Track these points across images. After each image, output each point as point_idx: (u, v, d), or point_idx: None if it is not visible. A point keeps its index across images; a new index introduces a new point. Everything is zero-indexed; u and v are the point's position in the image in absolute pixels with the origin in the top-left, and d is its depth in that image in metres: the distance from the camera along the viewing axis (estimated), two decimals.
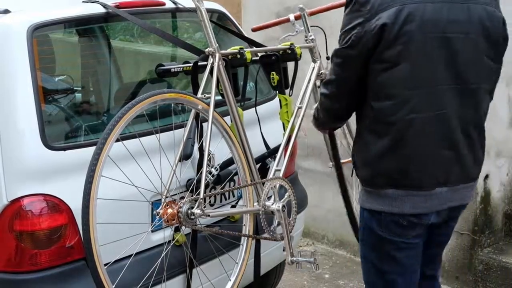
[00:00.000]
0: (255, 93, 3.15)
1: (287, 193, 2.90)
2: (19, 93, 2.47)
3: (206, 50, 2.75)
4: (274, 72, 3.10)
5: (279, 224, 2.90)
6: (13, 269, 2.46)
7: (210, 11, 3.16)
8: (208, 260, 2.91)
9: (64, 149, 2.53)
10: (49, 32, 2.90)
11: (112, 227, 2.50)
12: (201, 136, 2.79)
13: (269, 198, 2.87)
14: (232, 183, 3.04)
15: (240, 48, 2.87)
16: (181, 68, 2.82)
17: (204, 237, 2.85)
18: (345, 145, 3.48)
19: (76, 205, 2.39)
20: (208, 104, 2.67)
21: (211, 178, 2.77)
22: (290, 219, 2.91)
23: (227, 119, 2.84)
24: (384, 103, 2.34)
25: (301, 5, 3.31)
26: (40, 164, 2.46)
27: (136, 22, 2.88)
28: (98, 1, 2.83)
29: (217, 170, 2.81)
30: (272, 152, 3.11)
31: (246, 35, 3.40)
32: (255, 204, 2.89)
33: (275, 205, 2.84)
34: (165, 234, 2.74)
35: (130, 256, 2.56)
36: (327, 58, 3.31)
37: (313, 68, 3.28)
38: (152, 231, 2.72)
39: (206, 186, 2.63)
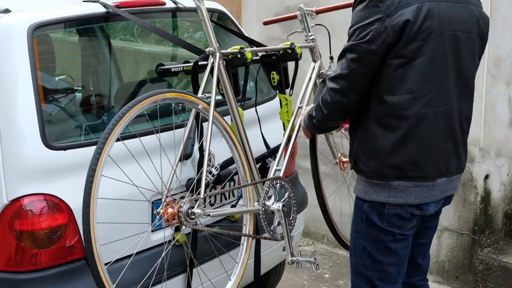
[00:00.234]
0: (255, 92, 3.15)
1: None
2: (19, 92, 2.47)
3: (207, 49, 2.75)
4: (274, 72, 3.10)
5: (279, 223, 2.90)
6: (13, 269, 2.45)
7: (211, 11, 3.16)
8: (208, 260, 2.91)
9: (65, 148, 2.53)
10: (50, 31, 2.89)
11: (112, 226, 2.50)
12: (201, 135, 2.79)
13: (269, 197, 2.87)
14: (232, 183, 3.04)
15: (241, 48, 2.87)
16: (182, 68, 2.82)
17: (204, 236, 2.85)
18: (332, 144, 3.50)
19: (76, 205, 2.39)
20: (209, 104, 2.67)
21: (211, 177, 2.77)
22: (290, 218, 2.92)
23: (228, 118, 2.84)
24: (399, 97, 2.40)
25: (302, 5, 3.31)
26: (41, 164, 2.46)
27: (136, 22, 2.88)
28: (98, 1, 2.83)
29: (217, 169, 2.81)
30: (272, 152, 3.11)
31: (246, 34, 3.40)
32: (255, 203, 2.89)
33: (275, 205, 2.84)
34: (166, 234, 2.74)
35: (130, 255, 2.56)
36: (331, 58, 3.31)
37: (314, 67, 3.28)
38: (153, 231, 2.72)
39: (206, 185, 2.63)
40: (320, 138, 3.42)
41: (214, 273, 2.93)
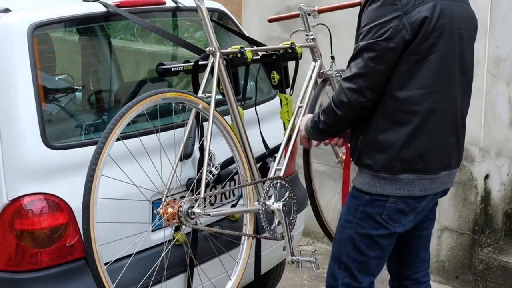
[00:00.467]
0: (255, 92, 3.15)
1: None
2: (19, 92, 2.47)
3: (207, 49, 2.75)
4: (274, 72, 3.10)
5: (279, 223, 2.90)
6: (13, 268, 2.45)
7: (211, 10, 3.16)
8: (208, 260, 2.91)
9: (65, 148, 2.53)
10: (50, 31, 2.89)
11: (112, 226, 2.50)
12: (201, 135, 2.79)
13: (269, 197, 2.87)
14: (232, 183, 3.04)
15: (241, 47, 2.87)
16: (182, 67, 2.82)
17: (204, 236, 2.85)
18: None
19: (76, 204, 2.39)
20: (209, 103, 2.67)
21: (212, 177, 2.77)
22: (291, 218, 2.92)
23: (228, 118, 2.84)
24: (411, 92, 2.45)
25: (302, 4, 3.31)
26: (41, 163, 2.46)
27: (136, 21, 2.88)
28: (98, 0, 2.83)
29: (217, 169, 2.81)
30: (272, 152, 3.11)
31: (246, 34, 3.40)
32: (256, 203, 2.89)
33: (275, 204, 2.84)
34: (166, 233, 2.73)
35: (130, 255, 2.56)
36: (332, 57, 3.31)
37: (314, 67, 3.28)
38: (153, 231, 2.71)
39: (207, 185, 2.63)
40: None
41: (214, 272, 2.93)
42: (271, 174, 2.98)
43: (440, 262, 4.38)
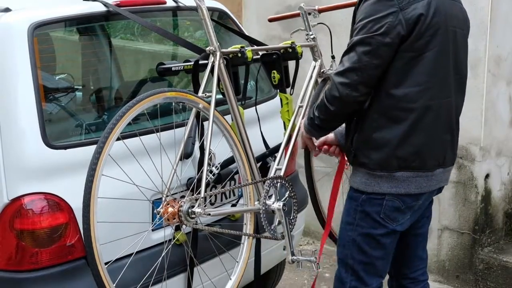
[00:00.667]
0: (255, 92, 3.15)
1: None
2: (19, 91, 2.47)
3: (207, 48, 2.75)
4: (275, 71, 3.10)
5: (279, 223, 2.90)
6: (13, 268, 2.45)
7: (211, 10, 3.16)
8: (208, 259, 2.91)
9: (65, 147, 2.53)
10: (50, 30, 2.89)
11: (112, 225, 2.50)
12: (201, 135, 2.79)
13: (269, 197, 2.87)
14: (232, 182, 3.04)
15: (241, 47, 2.87)
16: (182, 67, 2.81)
17: (204, 236, 2.85)
18: None
19: (76, 204, 2.39)
20: (209, 103, 2.67)
21: (212, 177, 2.77)
22: (291, 217, 2.91)
23: (228, 117, 2.84)
24: (407, 90, 2.46)
25: (302, 4, 3.31)
26: (41, 163, 2.46)
27: (137, 21, 2.88)
28: (99, 0, 2.83)
29: (217, 169, 2.81)
30: (272, 151, 3.11)
31: (247, 33, 3.40)
32: (256, 203, 2.89)
33: (275, 204, 2.84)
34: (166, 233, 2.73)
35: (130, 255, 2.56)
36: (332, 57, 3.31)
37: (314, 66, 3.28)
38: (153, 230, 2.71)
39: (207, 185, 2.63)
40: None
41: (215, 272, 2.92)
42: (271, 173, 2.98)
43: (441, 262, 4.38)
